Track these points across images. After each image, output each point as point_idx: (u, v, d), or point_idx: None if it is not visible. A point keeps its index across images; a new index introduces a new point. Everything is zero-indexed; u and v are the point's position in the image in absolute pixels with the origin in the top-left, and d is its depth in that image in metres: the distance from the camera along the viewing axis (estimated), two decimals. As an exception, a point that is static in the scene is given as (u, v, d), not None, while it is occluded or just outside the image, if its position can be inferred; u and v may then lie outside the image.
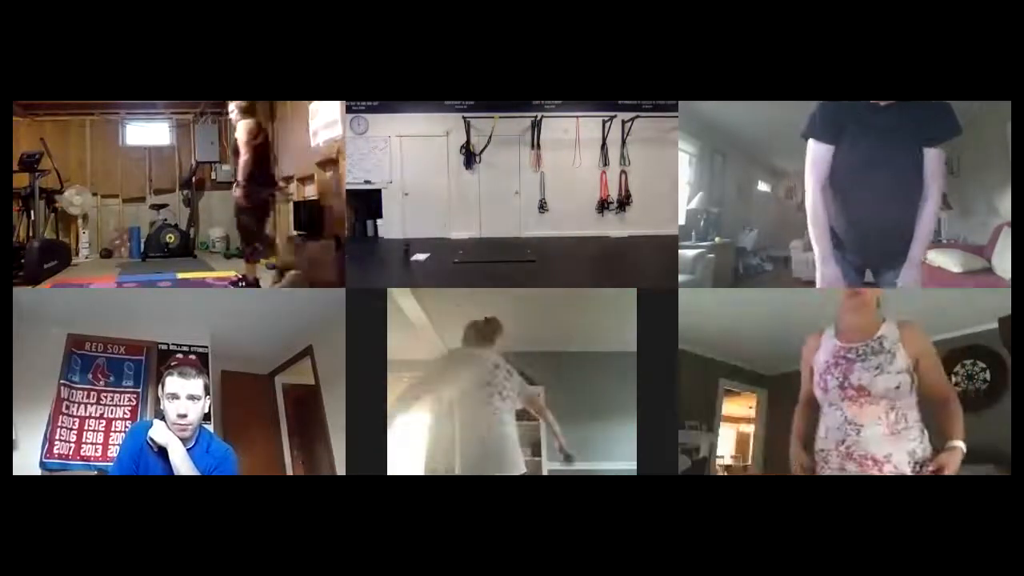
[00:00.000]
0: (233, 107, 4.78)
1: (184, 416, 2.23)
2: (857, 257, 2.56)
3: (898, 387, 2.11)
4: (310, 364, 3.37)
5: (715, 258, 4.81)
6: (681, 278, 4.43)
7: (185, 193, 8.05)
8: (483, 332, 3.06)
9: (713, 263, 4.72)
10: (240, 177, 4.72)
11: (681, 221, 5.35)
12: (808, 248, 6.12)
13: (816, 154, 2.47)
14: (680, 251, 4.77)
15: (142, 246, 7.71)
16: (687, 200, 5.54)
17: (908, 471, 2.06)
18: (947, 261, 3.68)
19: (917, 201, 2.43)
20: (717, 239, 5.44)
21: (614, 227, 8.03)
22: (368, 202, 8.08)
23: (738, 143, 5.89)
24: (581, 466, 4.12)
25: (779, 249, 6.14)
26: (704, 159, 5.67)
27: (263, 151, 4.82)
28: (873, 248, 2.53)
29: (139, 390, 3.07)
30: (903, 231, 2.47)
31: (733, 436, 4.71)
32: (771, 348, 4.16)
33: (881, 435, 2.10)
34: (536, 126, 7.94)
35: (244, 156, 4.69)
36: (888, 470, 2.06)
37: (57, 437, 2.86)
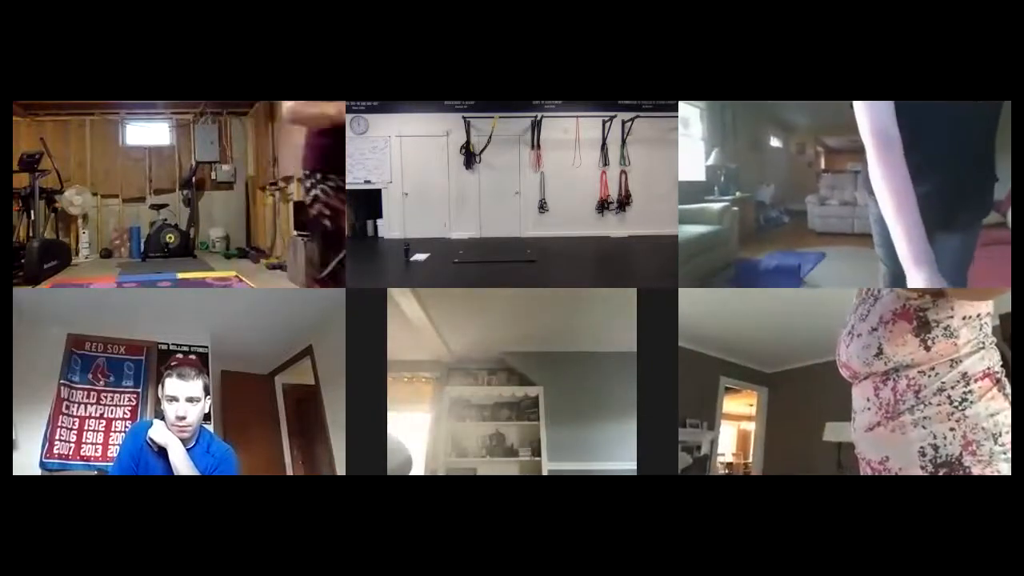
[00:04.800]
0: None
1: (183, 418, 2.23)
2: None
3: (867, 348, 1.61)
4: (310, 364, 3.37)
5: (739, 211, 4.92)
6: (709, 229, 4.53)
7: (185, 193, 8.07)
8: None
9: (738, 216, 4.84)
10: None
11: (702, 177, 5.43)
12: (823, 202, 6.34)
13: (874, 111, 1.68)
14: (706, 204, 4.89)
15: (142, 246, 7.72)
16: (705, 156, 5.63)
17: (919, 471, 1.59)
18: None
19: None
20: (738, 193, 5.54)
21: (614, 227, 8.03)
22: (368, 202, 8.09)
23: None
24: (581, 466, 4.13)
25: (795, 203, 6.35)
26: (714, 114, 5.74)
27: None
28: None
29: (139, 390, 3.06)
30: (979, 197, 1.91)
31: (734, 434, 4.72)
32: (772, 346, 4.17)
33: (868, 424, 1.67)
34: (536, 126, 7.94)
35: None
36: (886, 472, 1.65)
37: (57, 437, 2.86)
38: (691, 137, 5.49)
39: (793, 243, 5.46)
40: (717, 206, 4.87)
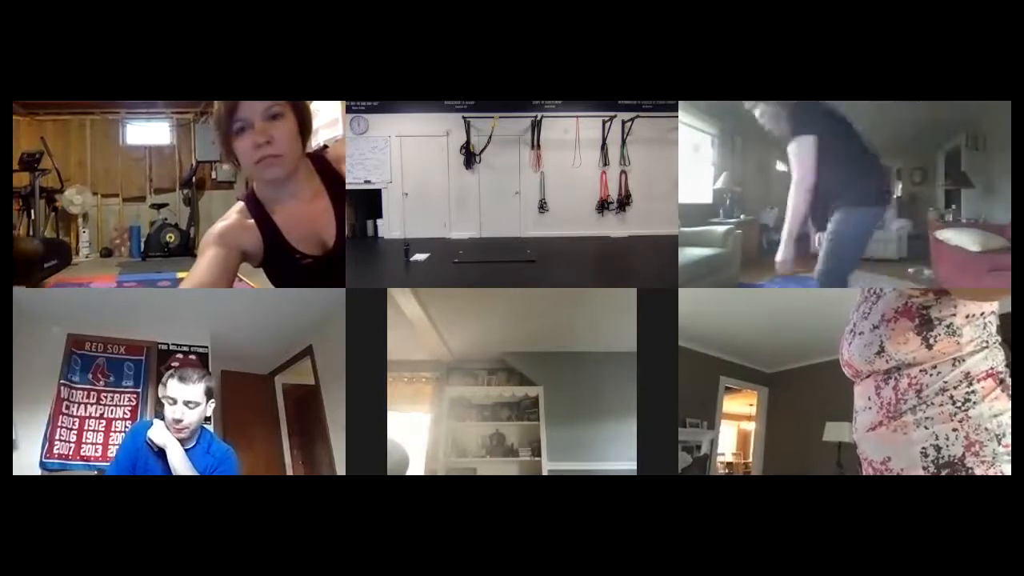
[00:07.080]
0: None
1: (180, 421, 2.22)
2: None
3: (869, 346, 1.62)
4: (310, 364, 3.36)
5: (742, 234, 4.95)
6: (711, 251, 4.55)
7: (185, 192, 8.07)
8: None
9: (741, 238, 4.88)
10: None
11: (709, 200, 5.45)
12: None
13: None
14: (711, 227, 4.92)
15: (142, 245, 7.72)
16: (713, 180, 5.67)
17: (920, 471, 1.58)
18: (965, 240, 3.56)
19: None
20: (742, 216, 5.58)
21: (614, 227, 8.03)
22: (368, 202, 8.08)
23: (753, 123, 6.00)
24: (581, 466, 4.13)
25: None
26: (725, 140, 5.77)
27: None
28: None
29: (139, 390, 3.06)
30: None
31: (734, 433, 4.73)
32: (772, 345, 4.17)
33: (870, 423, 1.67)
34: (536, 126, 7.94)
35: None
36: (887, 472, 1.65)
37: (57, 437, 2.86)
38: (702, 162, 5.52)
39: (795, 266, 5.49)
40: (721, 229, 4.88)
